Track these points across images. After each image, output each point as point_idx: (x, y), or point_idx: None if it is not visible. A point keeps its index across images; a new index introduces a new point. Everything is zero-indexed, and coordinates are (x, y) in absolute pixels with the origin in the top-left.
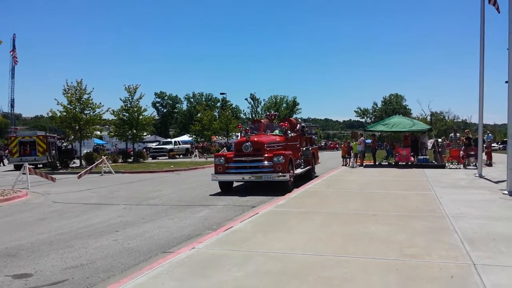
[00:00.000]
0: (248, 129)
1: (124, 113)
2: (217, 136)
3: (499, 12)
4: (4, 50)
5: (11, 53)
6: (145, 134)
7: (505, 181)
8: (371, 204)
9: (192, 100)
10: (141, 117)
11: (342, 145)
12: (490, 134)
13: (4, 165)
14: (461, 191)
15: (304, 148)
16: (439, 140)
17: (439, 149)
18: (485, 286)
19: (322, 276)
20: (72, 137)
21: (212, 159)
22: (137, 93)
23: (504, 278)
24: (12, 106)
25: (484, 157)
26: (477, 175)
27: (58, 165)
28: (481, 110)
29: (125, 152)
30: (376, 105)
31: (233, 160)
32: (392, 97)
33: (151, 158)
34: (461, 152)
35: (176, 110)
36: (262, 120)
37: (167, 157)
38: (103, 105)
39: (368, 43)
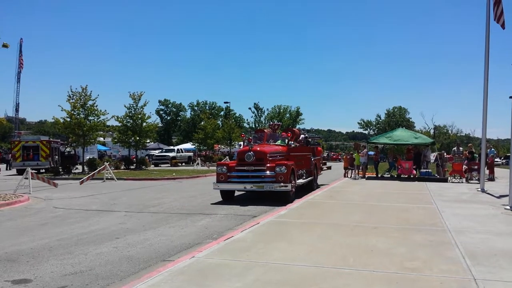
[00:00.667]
0: (251, 139)
1: (128, 120)
2: (220, 145)
3: (503, 28)
4: (10, 54)
5: (20, 59)
6: (148, 141)
7: (507, 196)
8: (373, 216)
9: (196, 108)
10: (144, 124)
11: (344, 157)
12: (493, 149)
13: (9, 169)
14: (463, 205)
15: (313, 159)
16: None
17: (443, 162)
18: None
19: (322, 287)
20: (75, 143)
21: (214, 168)
22: (142, 100)
23: None
24: (17, 110)
25: (487, 171)
26: (480, 189)
27: (60, 170)
28: (484, 125)
29: (128, 158)
30: (380, 117)
31: (235, 169)
32: (396, 109)
33: (153, 165)
34: (464, 166)
35: (179, 118)
36: (265, 130)
37: (169, 165)
38: (108, 112)
39: (373, 55)
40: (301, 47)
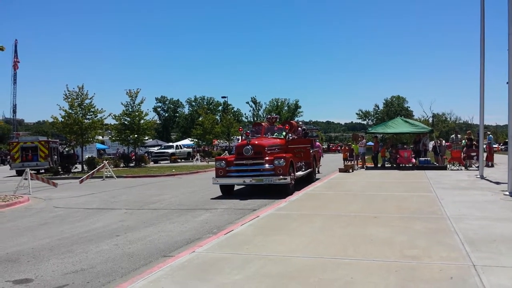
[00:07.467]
0: (249, 132)
1: (126, 118)
2: (218, 140)
3: None
4: (6, 55)
5: (15, 60)
6: (146, 138)
7: (506, 182)
8: (372, 206)
9: (193, 104)
10: (142, 121)
11: (343, 148)
12: (491, 135)
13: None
14: (462, 193)
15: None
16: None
17: (442, 150)
18: (485, 287)
19: (323, 278)
20: (74, 142)
21: (214, 163)
22: (138, 98)
23: (504, 279)
24: (14, 111)
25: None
26: (479, 176)
27: (60, 170)
28: (481, 112)
29: (127, 156)
30: (378, 107)
31: (234, 163)
32: (394, 99)
33: (152, 162)
34: (463, 153)
35: (177, 114)
36: (263, 123)
37: (168, 161)
38: (105, 110)
39: (370, 45)
40: (299, 40)
